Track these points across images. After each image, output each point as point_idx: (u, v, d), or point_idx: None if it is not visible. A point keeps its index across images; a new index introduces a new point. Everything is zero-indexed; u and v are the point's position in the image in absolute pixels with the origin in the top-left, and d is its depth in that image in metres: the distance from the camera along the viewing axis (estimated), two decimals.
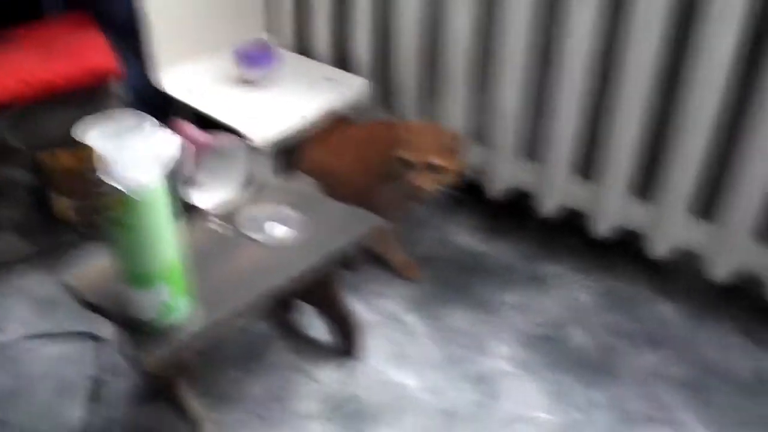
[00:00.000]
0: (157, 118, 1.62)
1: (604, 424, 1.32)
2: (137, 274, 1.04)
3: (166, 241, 1.04)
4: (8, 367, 1.43)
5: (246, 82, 1.70)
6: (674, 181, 1.46)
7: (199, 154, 1.47)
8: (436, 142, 1.48)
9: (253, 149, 1.51)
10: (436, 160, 1.46)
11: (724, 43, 1.28)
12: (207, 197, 1.50)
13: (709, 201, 1.50)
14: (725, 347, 1.48)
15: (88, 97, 1.51)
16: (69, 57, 1.51)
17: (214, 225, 1.28)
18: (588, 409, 1.35)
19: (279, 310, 1.55)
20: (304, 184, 1.41)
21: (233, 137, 1.51)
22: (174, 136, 0.96)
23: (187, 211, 1.55)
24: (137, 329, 1.09)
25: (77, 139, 0.95)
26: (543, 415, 1.34)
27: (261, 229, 1.26)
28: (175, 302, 1.08)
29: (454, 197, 1.84)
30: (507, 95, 1.60)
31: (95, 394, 1.37)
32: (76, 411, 1.34)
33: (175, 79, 1.70)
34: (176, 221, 1.04)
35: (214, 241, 1.26)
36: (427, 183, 1.48)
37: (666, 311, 1.56)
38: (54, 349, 1.46)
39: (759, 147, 1.34)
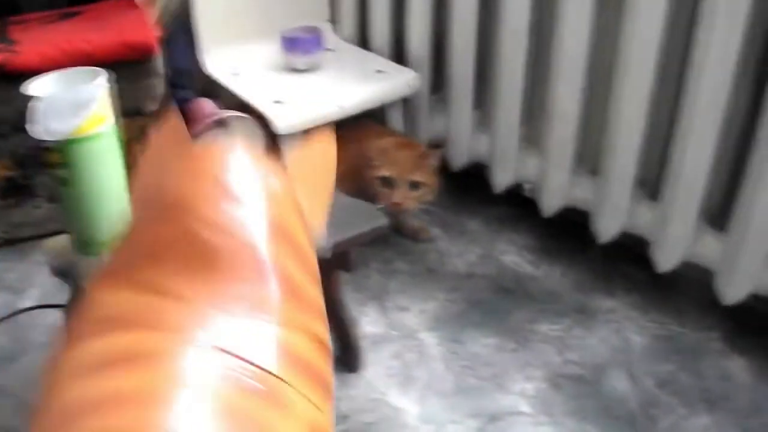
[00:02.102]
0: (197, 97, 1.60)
1: None
2: (82, 239, 0.95)
3: (114, 201, 0.93)
4: (15, 332, 1.38)
5: (293, 69, 1.61)
6: (757, 210, 1.20)
7: (199, 126, 1.39)
8: (414, 157, 1.45)
9: (279, 134, 1.40)
10: (417, 177, 1.44)
11: None
12: None
13: None
14: None
15: (127, 72, 1.47)
16: (109, 30, 1.47)
17: None
18: None
19: None
20: None
21: (247, 117, 1.41)
22: (100, 85, 0.86)
23: None
24: None
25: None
26: None
27: None
28: None
29: (509, 212, 1.69)
30: (565, 98, 1.39)
31: None
32: None
33: (224, 61, 1.63)
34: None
35: None
36: (409, 201, 1.45)
37: (733, 367, 1.29)
38: (59, 321, 1.41)
39: None
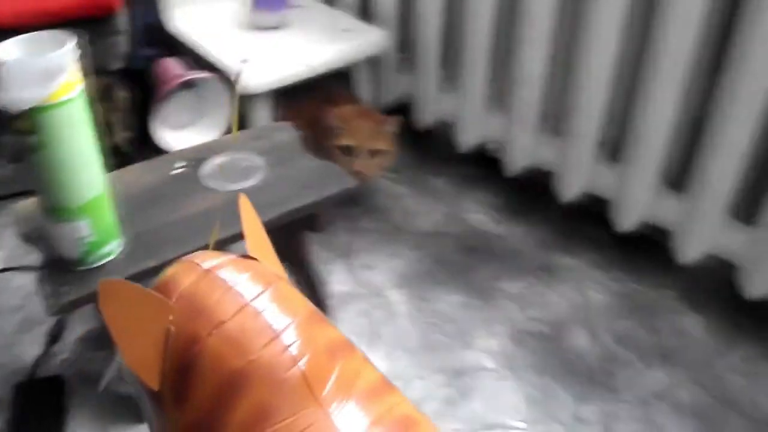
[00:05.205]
0: (161, 56, 1.58)
1: None
2: (52, 205, 0.95)
3: (84, 168, 0.93)
4: None
5: (259, 27, 1.60)
6: (714, 174, 1.24)
7: (169, 88, 1.38)
8: (373, 125, 1.47)
9: (247, 94, 1.40)
10: (377, 145, 1.46)
11: None
12: (183, 138, 1.41)
13: (751, 203, 1.28)
14: (751, 375, 1.25)
15: (90, 28, 1.45)
16: None
17: (174, 167, 1.18)
18: (571, 424, 1.17)
19: None
20: (288, 134, 1.28)
21: (216, 77, 1.40)
22: (70, 51, 0.85)
23: (154, 151, 1.47)
24: (55, 268, 1.00)
25: None
26: (516, 423, 1.17)
27: (223, 177, 1.15)
28: (99, 242, 0.98)
29: (474, 172, 1.71)
30: (531, 59, 1.40)
31: (56, 334, 1.31)
32: (34, 348, 1.28)
33: (190, 19, 1.61)
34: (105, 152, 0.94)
35: (168, 183, 1.16)
36: (370, 168, 1.48)
37: (689, 325, 1.34)
38: (29, 283, 1.41)
39: None
